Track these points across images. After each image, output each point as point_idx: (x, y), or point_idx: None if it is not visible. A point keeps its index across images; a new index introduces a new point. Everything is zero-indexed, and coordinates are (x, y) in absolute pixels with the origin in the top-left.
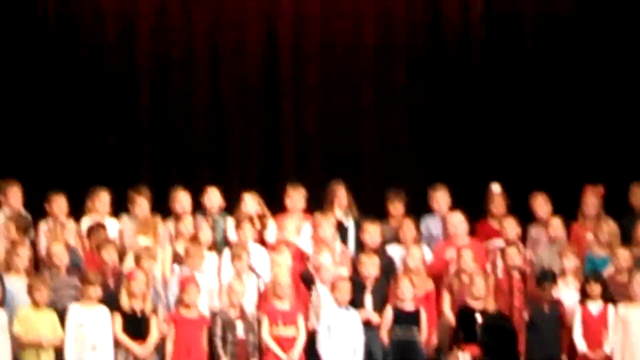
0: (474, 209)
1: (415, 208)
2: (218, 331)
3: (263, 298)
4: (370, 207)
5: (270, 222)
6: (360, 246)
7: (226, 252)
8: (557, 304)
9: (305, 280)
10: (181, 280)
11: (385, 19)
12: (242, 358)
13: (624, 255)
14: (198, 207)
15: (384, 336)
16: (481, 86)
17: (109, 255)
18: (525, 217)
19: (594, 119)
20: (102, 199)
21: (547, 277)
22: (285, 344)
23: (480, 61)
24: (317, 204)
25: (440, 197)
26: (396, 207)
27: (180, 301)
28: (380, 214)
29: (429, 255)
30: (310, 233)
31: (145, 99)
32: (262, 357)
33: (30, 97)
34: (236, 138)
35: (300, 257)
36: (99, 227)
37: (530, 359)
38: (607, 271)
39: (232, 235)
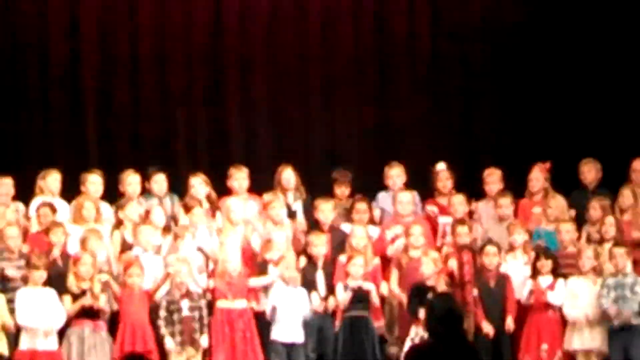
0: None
1: (371, 186)
2: (162, 313)
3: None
4: (318, 188)
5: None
6: (312, 226)
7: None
8: (503, 279)
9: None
10: (125, 262)
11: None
12: (188, 335)
13: (566, 229)
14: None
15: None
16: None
17: (56, 237)
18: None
19: (542, 97)
20: (53, 180)
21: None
22: (236, 317)
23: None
24: (266, 187)
25: (395, 175)
26: (342, 189)
27: (123, 283)
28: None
29: (376, 233)
30: (258, 212)
31: (92, 86)
32: (209, 332)
33: None
34: (183, 123)
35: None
36: (46, 206)
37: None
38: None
39: (182, 220)
